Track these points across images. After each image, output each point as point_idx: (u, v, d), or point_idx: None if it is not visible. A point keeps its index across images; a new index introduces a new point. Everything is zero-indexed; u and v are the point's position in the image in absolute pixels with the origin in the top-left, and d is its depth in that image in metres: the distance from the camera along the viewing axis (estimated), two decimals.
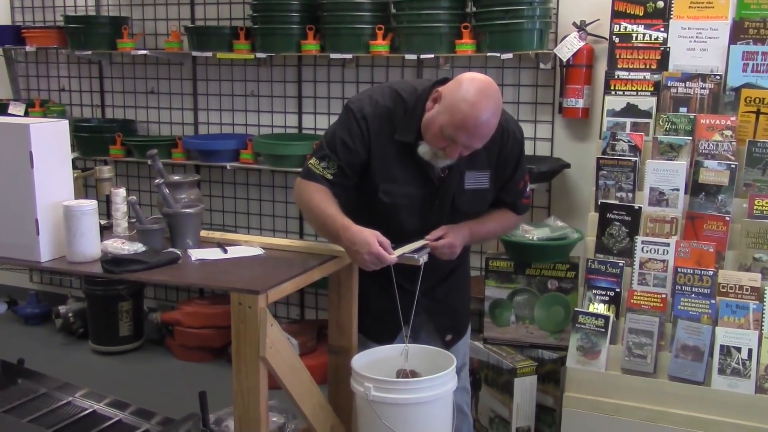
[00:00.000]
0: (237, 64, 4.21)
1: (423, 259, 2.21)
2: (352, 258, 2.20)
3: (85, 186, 3.56)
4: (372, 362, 2.33)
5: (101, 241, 2.26)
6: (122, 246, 2.26)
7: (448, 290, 2.52)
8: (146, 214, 2.45)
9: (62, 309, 4.42)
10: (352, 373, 2.23)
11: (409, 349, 2.32)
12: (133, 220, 2.44)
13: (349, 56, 3.70)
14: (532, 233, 3.12)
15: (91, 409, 2.57)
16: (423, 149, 2.21)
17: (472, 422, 2.72)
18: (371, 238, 2.10)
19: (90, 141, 4.33)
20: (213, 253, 2.31)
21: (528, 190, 2.51)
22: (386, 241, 2.12)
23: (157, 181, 2.37)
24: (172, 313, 4.20)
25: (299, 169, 3.79)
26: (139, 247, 2.26)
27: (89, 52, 4.25)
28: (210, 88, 4.33)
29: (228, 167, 4.04)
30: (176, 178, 2.50)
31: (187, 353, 4.15)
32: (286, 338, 2.07)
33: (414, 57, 3.56)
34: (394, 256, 2.14)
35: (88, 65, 4.62)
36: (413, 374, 2.29)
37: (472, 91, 2.09)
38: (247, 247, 2.39)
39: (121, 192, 2.47)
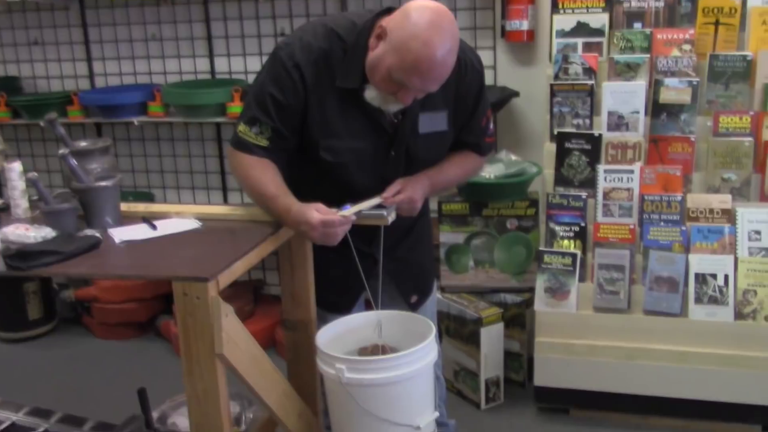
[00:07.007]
0: (133, 5, 3.74)
1: (392, 217, 1.94)
2: (308, 239, 1.95)
3: None
4: (337, 337, 2.06)
5: None
6: (26, 233, 1.87)
7: (409, 248, 2.25)
8: (49, 188, 2.06)
9: None
10: (319, 353, 1.95)
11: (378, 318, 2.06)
12: (36, 198, 2.05)
13: None
14: (487, 171, 2.88)
15: (8, 422, 2.20)
16: (370, 94, 1.90)
17: (444, 386, 2.50)
18: (309, 211, 1.85)
19: None
20: (140, 231, 1.95)
21: (491, 126, 2.24)
22: (323, 207, 1.87)
23: (61, 151, 1.97)
24: (87, 289, 3.80)
25: (217, 119, 3.49)
26: (48, 233, 1.89)
27: None
28: (104, 34, 3.84)
29: (135, 123, 3.63)
30: (84, 144, 2.10)
31: (109, 331, 3.79)
32: (241, 325, 1.76)
33: None
34: (345, 213, 1.87)
35: None
36: (384, 349, 2.02)
37: (422, 24, 1.76)
38: (179, 219, 2.04)
39: (17, 166, 2.08)
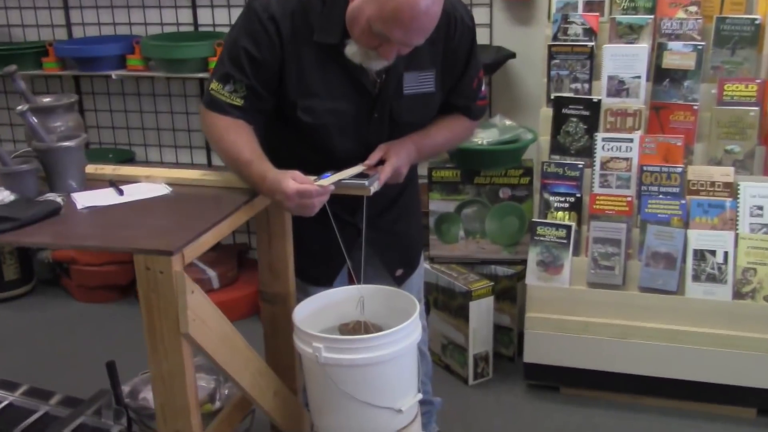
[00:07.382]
0: None
1: (374, 187, 1.80)
2: (283, 209, 1.83)
3: None
4: (316, 312, 1.94)
5: None
6: None
7: (395, 218, 2.13)
8: (10, 149, 1.93)
9: None
10: (296, 330, 1.83)
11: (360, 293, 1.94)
12: None
13: None
14: (480, 137, 2.74)
15: None
16: (351, 50, 1.77)
17: (430, 362, 2.40)
18: (285, 179, 1.71)
19: None
20: (105, 197, 1.82)
21: (483, 89, 2.10)
22: (300, 175, 1.73)
23: (20, 107, 1.82)
24: (65, 250, 3.66)
25: (199, 75, 3.32)
26: (6, 196, 1.76)
27: None
28: None
29: (113, 76, 3.45)
30: (47, 100, 1.96)
31: (88, 294, 3.67)
32: (209, 302, 1.63)
33: None
34: (323, 183, 1.74)
35: None
36: (367, 326, 1.91)
37: None
38: (148, 184, 1.90)
39: None
